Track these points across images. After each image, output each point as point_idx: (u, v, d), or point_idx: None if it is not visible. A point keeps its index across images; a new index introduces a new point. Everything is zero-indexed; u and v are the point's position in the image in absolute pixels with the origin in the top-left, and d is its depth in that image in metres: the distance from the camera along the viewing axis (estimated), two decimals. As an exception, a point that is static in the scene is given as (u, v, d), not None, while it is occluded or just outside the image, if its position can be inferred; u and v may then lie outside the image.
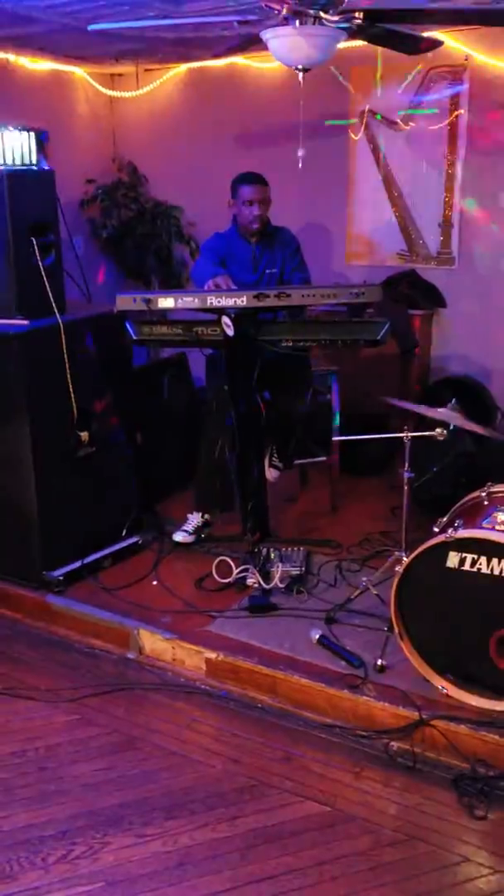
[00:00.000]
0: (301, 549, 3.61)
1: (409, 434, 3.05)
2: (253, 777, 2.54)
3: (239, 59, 4.99)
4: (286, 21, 2.82)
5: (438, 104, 4.70)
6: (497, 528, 2.58)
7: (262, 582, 3.36)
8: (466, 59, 4.51)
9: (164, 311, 3.39)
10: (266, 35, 2.89)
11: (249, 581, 3.40)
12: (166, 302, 3.28)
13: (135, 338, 3.41)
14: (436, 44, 3.27)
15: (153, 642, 3.15)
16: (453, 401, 3.01)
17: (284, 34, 2.82)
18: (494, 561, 2.51)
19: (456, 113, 4.67)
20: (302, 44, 2.80)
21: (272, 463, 4.01)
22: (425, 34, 3.40)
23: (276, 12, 2.79)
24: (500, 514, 2.62)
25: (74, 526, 3.54)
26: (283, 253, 3.77)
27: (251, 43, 3.20)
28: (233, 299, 3.20)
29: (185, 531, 3.79)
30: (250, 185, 3.63)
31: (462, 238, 4.83)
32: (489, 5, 2.75)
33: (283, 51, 2.88)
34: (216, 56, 3.74)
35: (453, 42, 4.44)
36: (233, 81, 5.16)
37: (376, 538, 3.84)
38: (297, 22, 2.80)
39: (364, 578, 3.26)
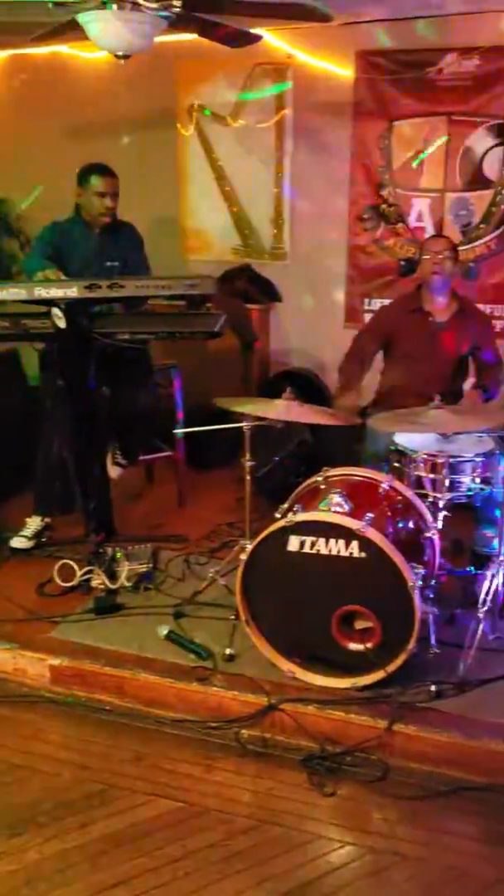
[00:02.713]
0: (148, 545, 3.55)
1: (248, 424, 3.09)
2: (103, 781, 2.46)
3: (63, 48, 4.86)
4: (103, 5, 2.75)
5: (265, 101, 4.78)
6: (333, 509, 2.64)
7: (107, 582, 3.28)
8: (289, 58, 4.62)
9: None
10: (83, 19, 2.81)
11: (94, 582, 3.30)
12: (-9, 294, 3.11)
13: (-43, 333, 3.22)
14: (255, 38, 3.31)
15: (-7, 654, 3.00)
16: (288, 389, 3.05)
17: (102, 18, 2.75)
18: (332, 541, 2.56)
19: (282, 111, 4.77)
20: (120, 29, 2.74)
21: (115, 460, 3.93)
22: (249, 29, 3.45)
23: (93, -5, 2.73)
24: (335, 496, 2.69)
25: None
26: (125, 248, 3.69)
27: (71, 28, 3.09)
28: (63, 290, 3.08)
29: (24, 536, 3.63)
30: (103, 177, 3.53)
31: (293, 233, 4.94)
32: (305, 1, 2.81)
33: (100, 36, 2.82)
34: (35, 41, 3.60)
35: (276, 40, 4.53)
36: (57, 71, 5.02)
37: (223, 529, 3.85)
38: (115, 6, 2.74)
39: (211, 570, 3.26)
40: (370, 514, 2.61)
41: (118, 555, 3.43)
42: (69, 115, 5.04)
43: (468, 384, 3.80)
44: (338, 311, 4.95)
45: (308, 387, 4.77)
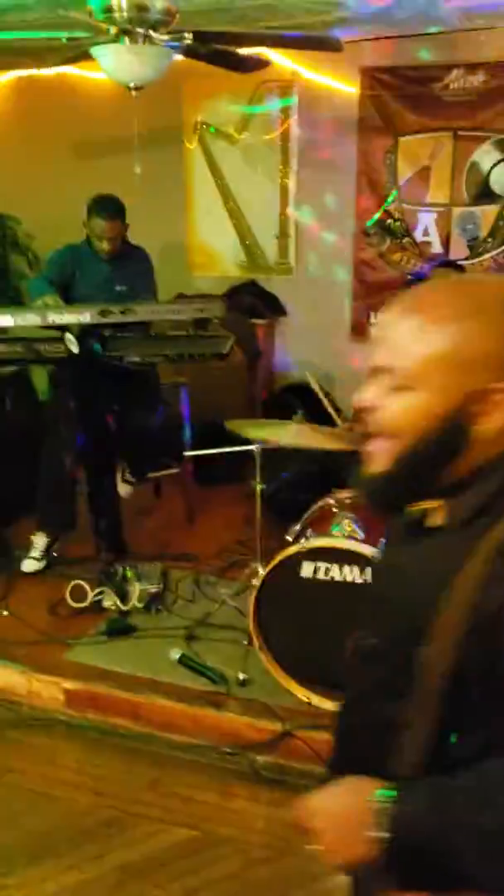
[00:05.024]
0: (157, 564, 3.57)
1: (258, 446, 3.10)
2: (118, 808, 2.49)
3: (70, 69, 4.86)
4: (116, 39, 2.77)
5: (269, 118, 4.80)
6: (346, 535, 2.65)
7: (119, 603, 3.30)
8: (294, 75, 4.64)
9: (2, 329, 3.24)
10: (96, 53, 2.82)
11: (106, 603, 3.32)
12: (3, 320, 3.13)
13: (-31, 359, 3.24)
14: (263, 63, 3.33)
15: (6, 676, 3.01)
16: (299, 413, 3.06)
17: (114, 52, 2.77)
18: (346, 568, 2.58)
19: (286, 126, 4.79)
20: (132, 62, 2.75)
21: (124, 478, 3.95)
22: (254, 52, 3.47)
23: (106, 30, 2.74)
24: (346, 520, 2.70)
25: None
26: (134, 272, 3.71)
27: (82, 57, 3.11)
28: (76, 316, 3.11)
29: (33, 558, 3.61)
30: (103, 221, 3.52)
31: (298, 248, 4.96)
32: (307, 33, 2.84)
33: (113, 69, 2.83)
34: (47, 65, 3.61)
35: (281, 58, 4.54)
36: (65, 91, 5.02)
37: (233, 548, 3.86)
38: (128, 40, 2.75)
39: (222, 591, 3.27)
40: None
41: (129, 574, 3.45)
42: (76, 134, 5.05)
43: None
44: (343, 326, 4.97)
45: (315, 402, 4.78)
